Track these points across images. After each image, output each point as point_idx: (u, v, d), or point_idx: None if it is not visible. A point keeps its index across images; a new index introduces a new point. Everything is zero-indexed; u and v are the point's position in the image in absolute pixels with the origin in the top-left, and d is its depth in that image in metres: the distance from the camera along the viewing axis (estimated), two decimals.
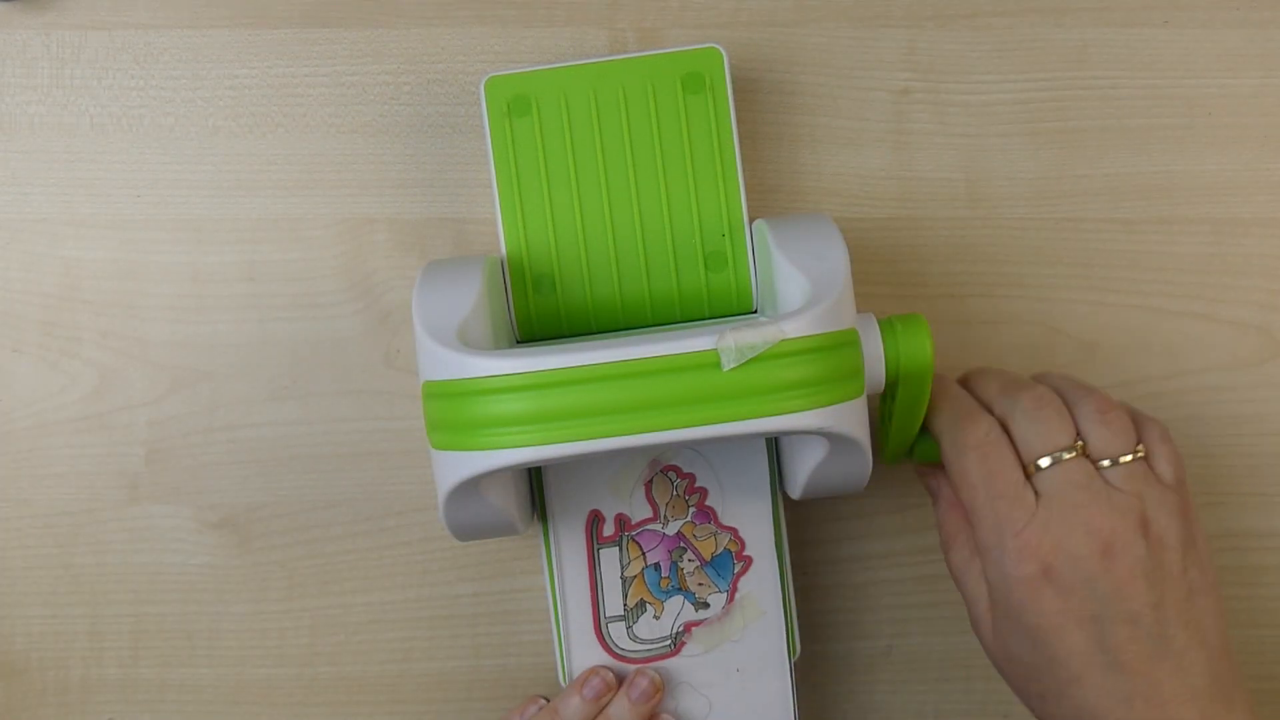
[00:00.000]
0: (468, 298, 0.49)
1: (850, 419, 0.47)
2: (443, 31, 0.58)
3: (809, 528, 0.59)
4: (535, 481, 0.56)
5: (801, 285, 0.49)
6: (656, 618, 0.55)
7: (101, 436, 0.58)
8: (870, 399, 0.50)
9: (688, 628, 0.55)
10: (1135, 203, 0.59)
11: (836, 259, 0.49)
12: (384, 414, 0.59)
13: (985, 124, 0.59)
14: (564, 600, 0.55)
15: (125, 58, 0.58)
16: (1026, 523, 0.49)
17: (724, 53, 0.54)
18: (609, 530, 0.55)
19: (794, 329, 0.46)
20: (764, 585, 0.55)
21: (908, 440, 0.53)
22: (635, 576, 0.55)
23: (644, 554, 0.55)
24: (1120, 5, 0.59)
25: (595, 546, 0.55)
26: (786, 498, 0.56)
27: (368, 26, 0.58)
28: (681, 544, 0.55)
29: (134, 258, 0.58)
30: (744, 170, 0.57)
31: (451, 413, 0.46)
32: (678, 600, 0.55)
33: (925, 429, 0.53)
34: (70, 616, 0.59)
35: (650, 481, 0.55)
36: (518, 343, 0.55)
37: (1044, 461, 0.50)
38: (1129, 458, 0.50)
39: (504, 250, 0.54)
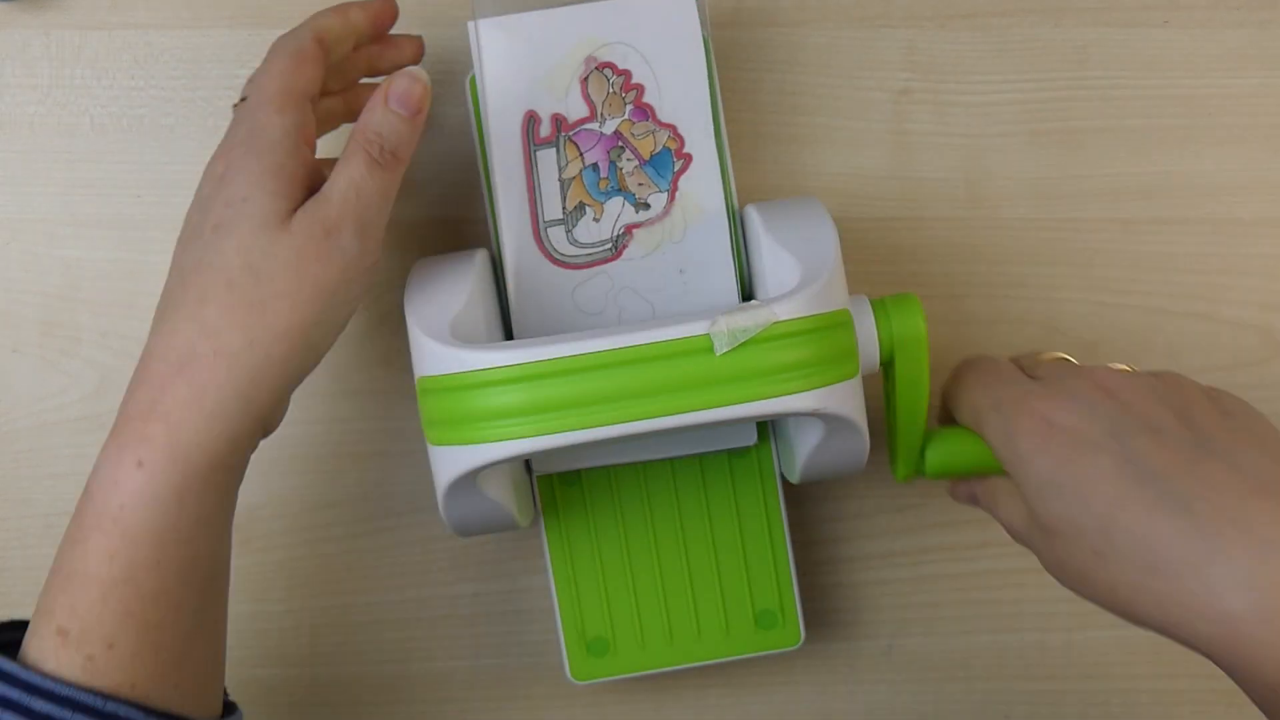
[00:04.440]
0: (460, 293, 0.49)
1: (845, 399, 0.47)
2: (442, 31, 0.58)
3: (810, 528, 0.59)
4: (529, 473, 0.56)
5: (792, 268, 0.49)
6: (596, 220, 0.53)
7: (101, 436, 0.58)
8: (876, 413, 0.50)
9: (628, 230, 0.53)
10: (1135, 203, 0.59)
11: (826, 240, 0.50)
12: (384, 414, 0.59)
13: (985, 124, 0.59)
14: (501, 205, 0.53)
15: (125, 58, 0.58)
16: (1021, 391, 0.47)
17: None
18: (545, 131, 0.53)
19: (786, 311, 0.46)
20: (705, 183, 0.53)
21: (917, 439, 0.52)
22: (573, 178, 0.53)
23: (581, 155, 0.53)
24: (1120, 5, 0.59)
25: (532, 148, 0.53)
26: (787, 484, 0.56)
27: None
28: (619, 143, 0.53)
29: (134, 258, 0.58)
30: (741, 168, 0.57)
31: (447, 407, 0.47)
32: (617, 202, 0.53)
33: (939, 422, 0.53)
34: None
35: (586, 79, 0.53)
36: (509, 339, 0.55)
37: (1033, 364, 0.49)
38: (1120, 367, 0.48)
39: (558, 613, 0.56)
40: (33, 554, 0.58)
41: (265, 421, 0.47)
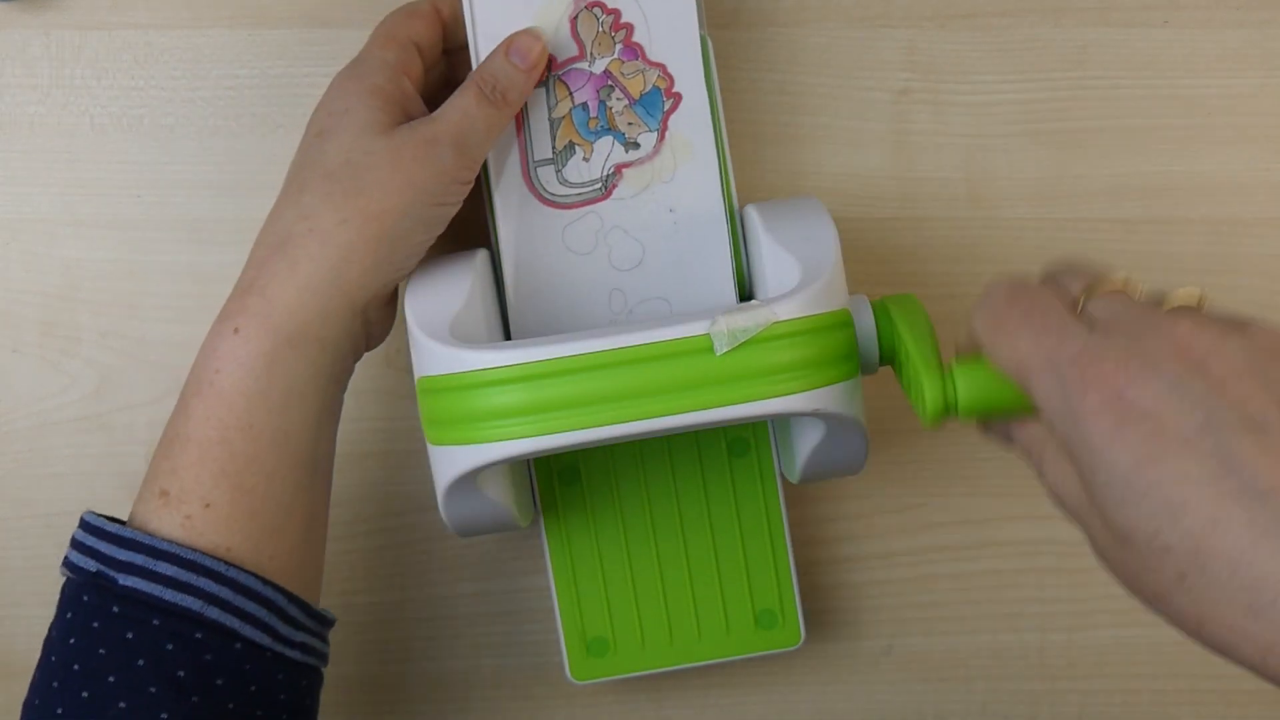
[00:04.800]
0: (459, 294, 0.50)
1: (845, 399, 0.47)
2: None
3: (810, 528, 0.59)
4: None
5: (792, 268, 0.49)
6: (586, 160, 0.53)
7: (101, 436, 0.58)
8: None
9: (618, 169, 0.53)
10: (1135, 203, 0.59)
11: (826, 240, 0.50)
12: (384, 414, 0.59)
13: (985, 124, 0.59)
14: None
15: (125, 58, 0.58)
16: (1081, 347, 0.38)
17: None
18: None
19: (786, 311, 0.46)
20: (694, 123, 0.53)
21: (936, 371, 0.43)
22: (563, 118, 0.53)
23: (571, 94, 0.53)
24: (1120, 5, 0.59)
25: None
26: (787, 484, 0.56)
27: (367, 26, 0.57)
28: (609, 82, 0.53)
29: (134, 258, 0.58)
30: (741, 168, 0.57)
31: (447, 407, 0.47)
32: (607, 141, 0.53)
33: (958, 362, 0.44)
34: None
35: (575, 18, 0.52)
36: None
37: (1089, 297, 0.40)
38: (1191, 297, 0.40)
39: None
40: (33, 554, 0.58)
41: (352, 299, 0.48)
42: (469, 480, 0.48)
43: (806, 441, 0.51)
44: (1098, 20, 0.59)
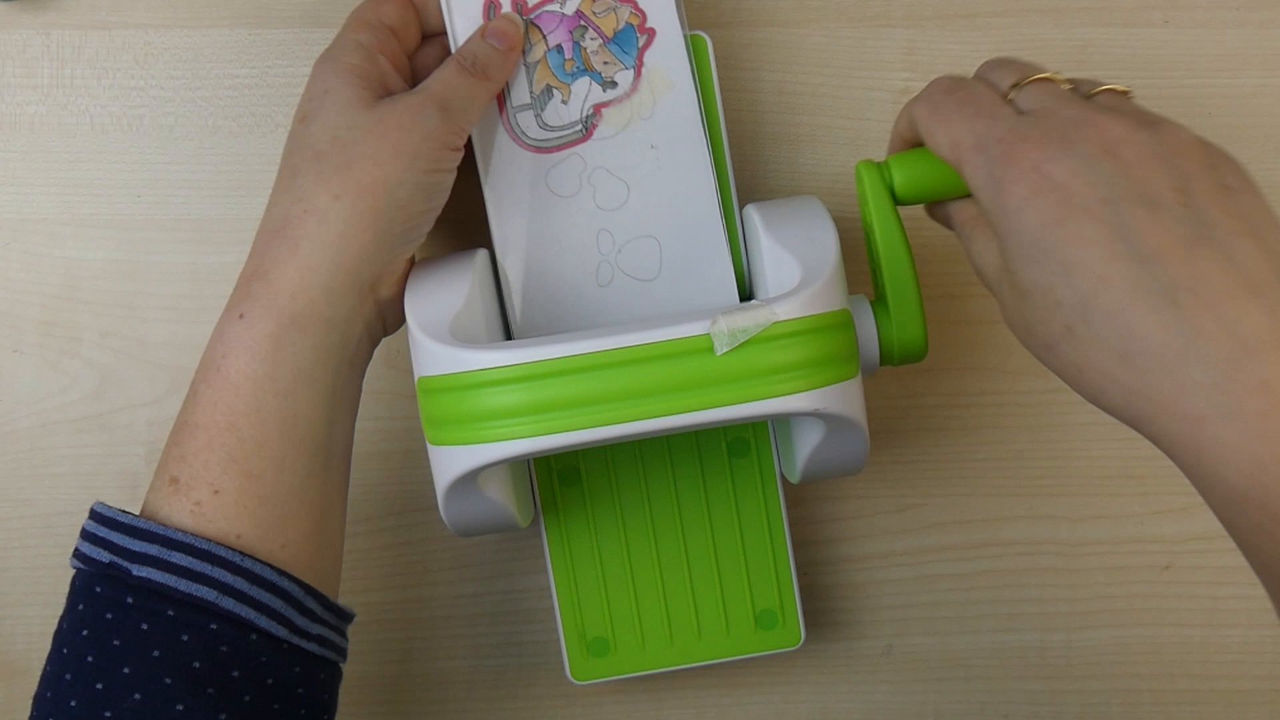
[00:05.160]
0: (459, 294, 0.50)
1: (846, 399, 0.47)
2: None
3: (810, 528, 0.59)
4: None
5: (792, 268, 0.49)
6: (564, 102, 0.53)
7: (101, 436, 0.58)
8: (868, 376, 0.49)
9: (597, 109, 0.53)
10: None
11: (826, 240, 0.50)
12: (384, 414, 0.59)
13: None
14: None
15: (125, 58, 0.58)
16: (1009, 128, 0.42)
17: None
18: None
19: (786, 311, 0.46)
20: (670, 56, 0.53)
21: (873, 166, 0.48)
22: (538, 61, 0.53)
23: (545, 37, 0.53)
24: (1120, 5, 0.59)
25: None
26: (787, 484, 0.56)
27: None
28: (582, 22, 0.53)
29: (134, 258, 0.58)
30: (741, 168, 0.57)
31: (447, 407, 0.47)
32: (584, 82, 0.53)
33: (900, 147, 0.49)
34: None
35: None
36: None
37: (1018, 87, 0.45)
38: (1109, 85, 0.44)
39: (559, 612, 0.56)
40: (33, 554, 0.59)
41: (358, 275, 0.48)
42: (469, 480, 0.48)
43: (806, 441, 0.51)
44: (1098, 20, 0.59)
